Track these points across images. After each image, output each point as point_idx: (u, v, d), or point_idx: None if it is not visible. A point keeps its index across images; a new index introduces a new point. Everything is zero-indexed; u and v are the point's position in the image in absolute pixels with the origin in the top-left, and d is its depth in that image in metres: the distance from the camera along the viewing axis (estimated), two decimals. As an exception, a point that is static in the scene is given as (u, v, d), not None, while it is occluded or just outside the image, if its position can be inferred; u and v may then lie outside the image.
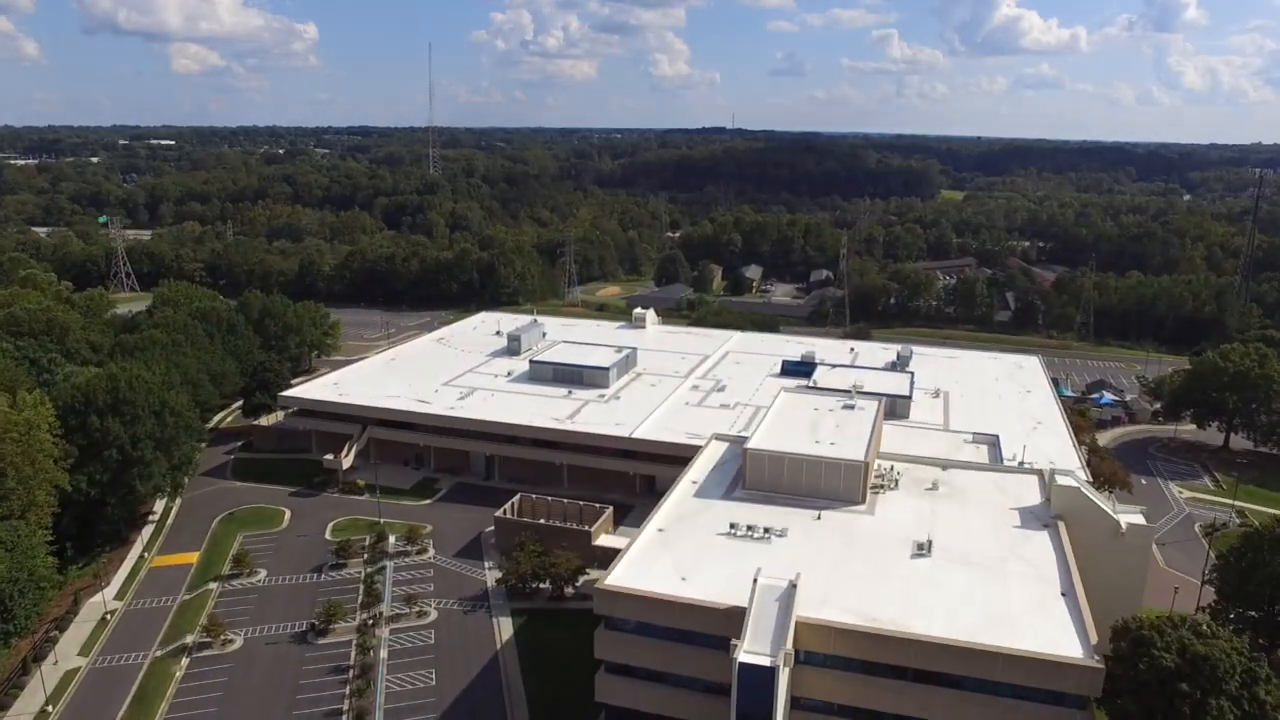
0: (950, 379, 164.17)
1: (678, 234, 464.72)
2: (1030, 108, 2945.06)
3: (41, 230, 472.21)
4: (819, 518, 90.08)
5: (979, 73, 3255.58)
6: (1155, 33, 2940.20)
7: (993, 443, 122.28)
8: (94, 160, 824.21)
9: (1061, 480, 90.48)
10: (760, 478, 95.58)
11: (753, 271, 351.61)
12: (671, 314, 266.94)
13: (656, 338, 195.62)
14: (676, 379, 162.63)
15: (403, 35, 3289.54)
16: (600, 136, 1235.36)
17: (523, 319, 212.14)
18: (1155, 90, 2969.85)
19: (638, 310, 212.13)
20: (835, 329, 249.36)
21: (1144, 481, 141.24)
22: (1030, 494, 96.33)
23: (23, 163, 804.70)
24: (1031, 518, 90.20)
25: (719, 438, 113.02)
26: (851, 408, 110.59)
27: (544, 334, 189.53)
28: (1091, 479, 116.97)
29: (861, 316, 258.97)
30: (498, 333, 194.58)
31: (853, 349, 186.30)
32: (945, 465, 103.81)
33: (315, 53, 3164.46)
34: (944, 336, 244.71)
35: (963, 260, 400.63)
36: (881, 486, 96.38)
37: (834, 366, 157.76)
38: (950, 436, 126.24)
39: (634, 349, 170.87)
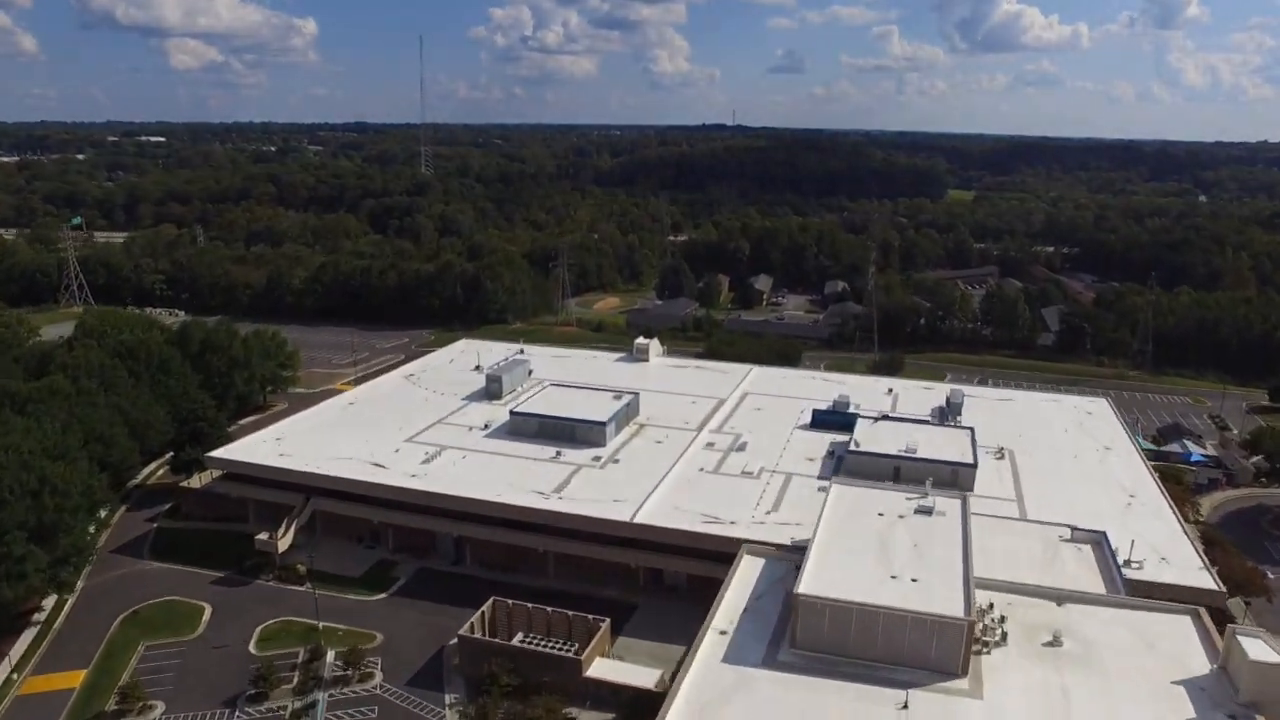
0: (1011, 431, 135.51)
1: (680, 238, 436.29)
2: (1031, 105, 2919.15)
3: (10, 232, 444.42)
4: (904, 707, 62.03)
5: (979, 70, 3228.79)
6: (1157, 30, 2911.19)
7: (1098, 542, 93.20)
8: (80, 158, 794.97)
9: (1253, 650, 62.10)
10: (816, 635, 67.12)
11: (762, 283, 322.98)
12: (677, 336, 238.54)
13: (661, 374, 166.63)
14: (687, 432, 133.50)
15: (402, 31, 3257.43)
16: (599, 133, 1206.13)
17: (507, 348, 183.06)
18: (1155, 88, 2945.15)
19: (640, 340, 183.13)
20: (861, 354, 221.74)
21: (1270, 576, 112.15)
22: (1189, 650, 68.29)
23: (5, 160, 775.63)
24: (1206, 702, 62.27)
25: (753, 551, 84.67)
26: (929, 512, 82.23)
27: (530, 371, 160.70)
28: (1219, 585, 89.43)
29: (888, 338, 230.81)
30: (477, 368, 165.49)
31: (890, 389, 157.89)
32: (1060, 599, 75.58)
33: (314, 49, 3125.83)
34: (981, 363, 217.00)
35: (984, 269, 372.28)
36: (984, 643, 68.20)
37: (875, 420, 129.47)
38: (1040, 531, 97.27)
39: (635, 394, 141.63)
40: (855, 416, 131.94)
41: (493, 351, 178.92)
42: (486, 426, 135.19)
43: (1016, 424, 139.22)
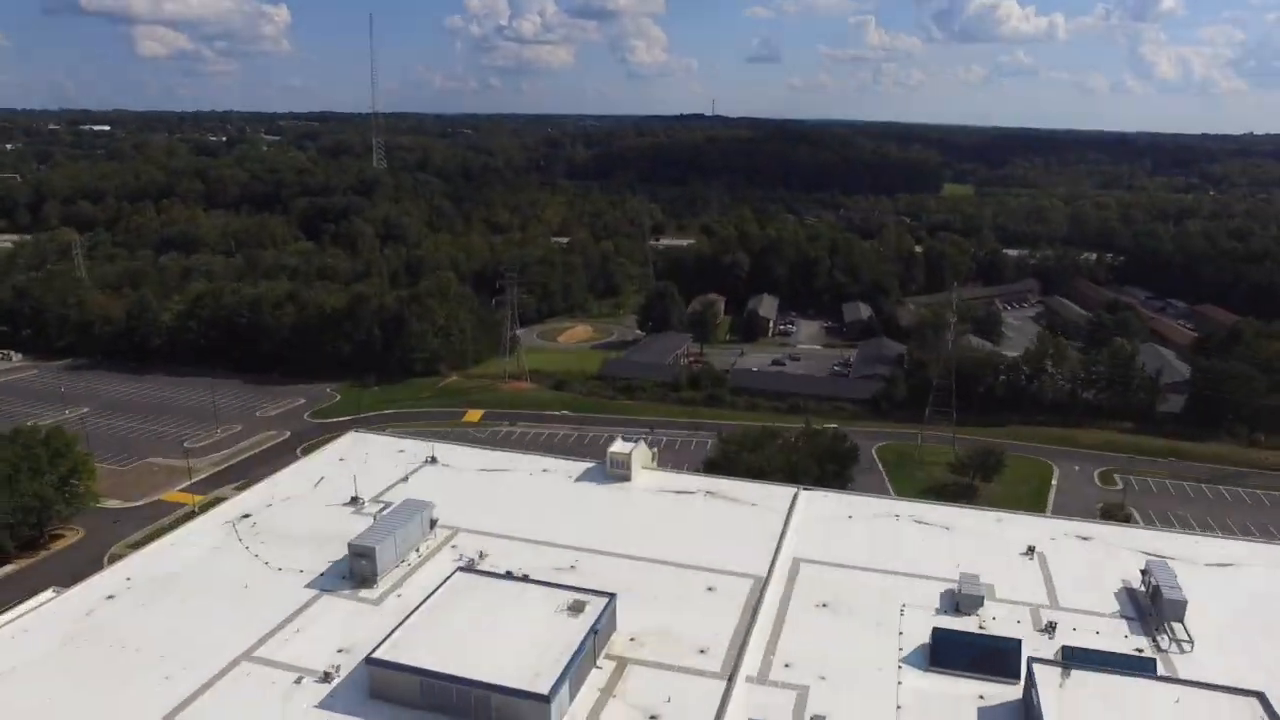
0: (1264, 655, 71.43)
1: (662, 241, 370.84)
2: (1007, 95, 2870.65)
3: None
4: None
5: (956, 61, 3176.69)
6: (1132, 22, 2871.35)
7: None
8: (9, 147, 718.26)
9: None
10: None
11: (766, 306, 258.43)
12: (667, 397, 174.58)
13: (651, 513, 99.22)
14: (707, 680, 67.64)
15: (377, 19, 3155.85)
16: (574, 123, 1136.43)
17: (414, 450, 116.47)
18: (1129, 79, 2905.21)
19: (617, 447, 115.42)
20: (929, 429, 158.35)
21: None
22: None
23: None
24: None
25: None
26: None
27: (432, 523, 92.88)
28: None
29: (943, 398, 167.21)
30: (354, 499, 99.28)
31: (1030, 549, 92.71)
32: None
33: (287, 37, 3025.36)
34: (1096, 445, 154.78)
35: (1023, 284, 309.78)
36: None
37: (1057, 663, 64.99)
38: None
39: (610, 597, 74.74)
40: (1013, 646, 66.88)
41: (389, 459, 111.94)
42: (328, 677, 68.57)
43: (1266, 637, 74.58)
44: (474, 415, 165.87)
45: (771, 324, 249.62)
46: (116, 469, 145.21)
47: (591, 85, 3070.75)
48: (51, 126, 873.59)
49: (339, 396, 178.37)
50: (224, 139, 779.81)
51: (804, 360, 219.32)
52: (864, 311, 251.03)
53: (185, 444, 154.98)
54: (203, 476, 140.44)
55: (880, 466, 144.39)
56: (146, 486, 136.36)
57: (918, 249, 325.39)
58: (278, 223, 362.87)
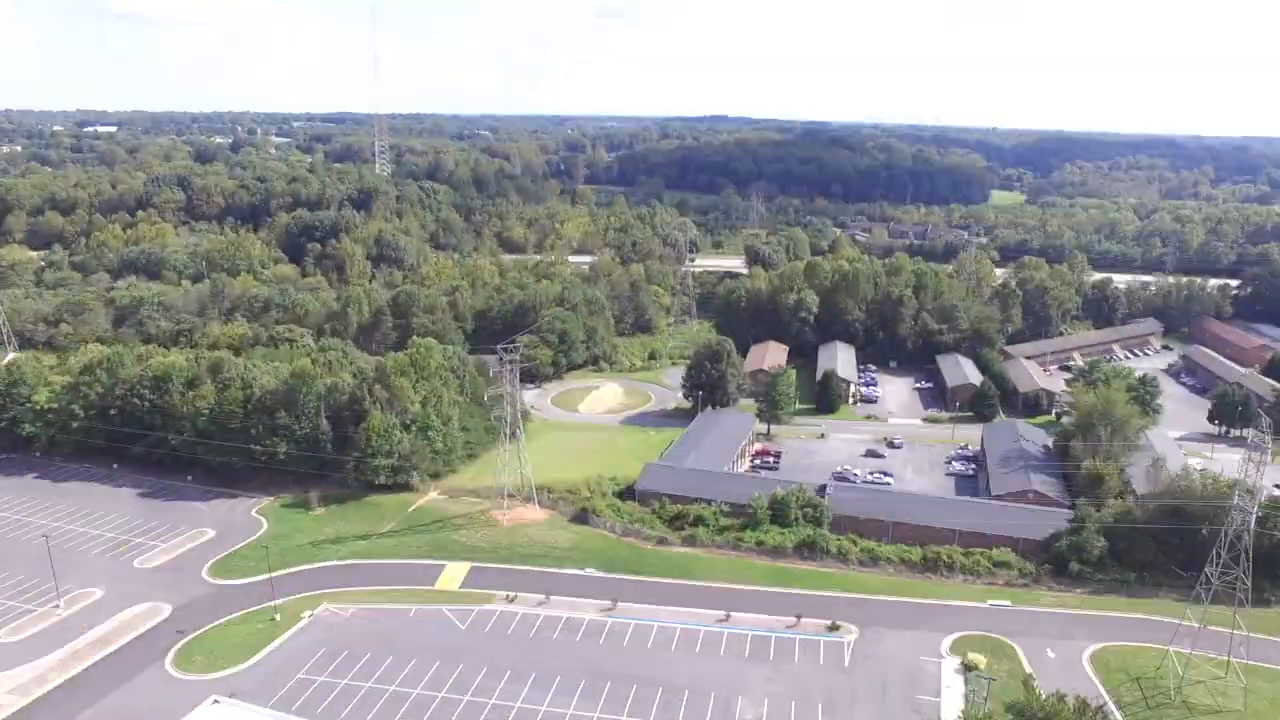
0: None
1: (694, 264, 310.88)
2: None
3: None
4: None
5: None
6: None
7: None
8: (3, 149, 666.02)
9: None
10: None
11: (844, 362, 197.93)
12: (740, 544, 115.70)
13: None
14: None
15: (399, 17, 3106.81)
16: (595, 126, 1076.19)
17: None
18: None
19: None
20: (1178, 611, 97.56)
21: None
22: None
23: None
24: None
25: None
26: None
27: None
28: None
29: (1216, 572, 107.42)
30: None
31: None
32: None
33: (319, 36, 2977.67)
34: None
35: (1143, 326, 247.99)
36: None
37: None
38: None
39: None
40: None
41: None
42: None
43: None
44: (454, 575, 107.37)
45: (853, 390, 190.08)
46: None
47: (613, 85, 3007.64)
48: (55, 128, 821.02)
49: (265, 524, 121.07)
50: (230, 141, 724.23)
51: (906, 449, 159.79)
52: (970, 372, 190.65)
53: (26, 602, 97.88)
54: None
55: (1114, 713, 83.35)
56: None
57: (999, 275, 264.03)
58: (253, 242, 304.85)
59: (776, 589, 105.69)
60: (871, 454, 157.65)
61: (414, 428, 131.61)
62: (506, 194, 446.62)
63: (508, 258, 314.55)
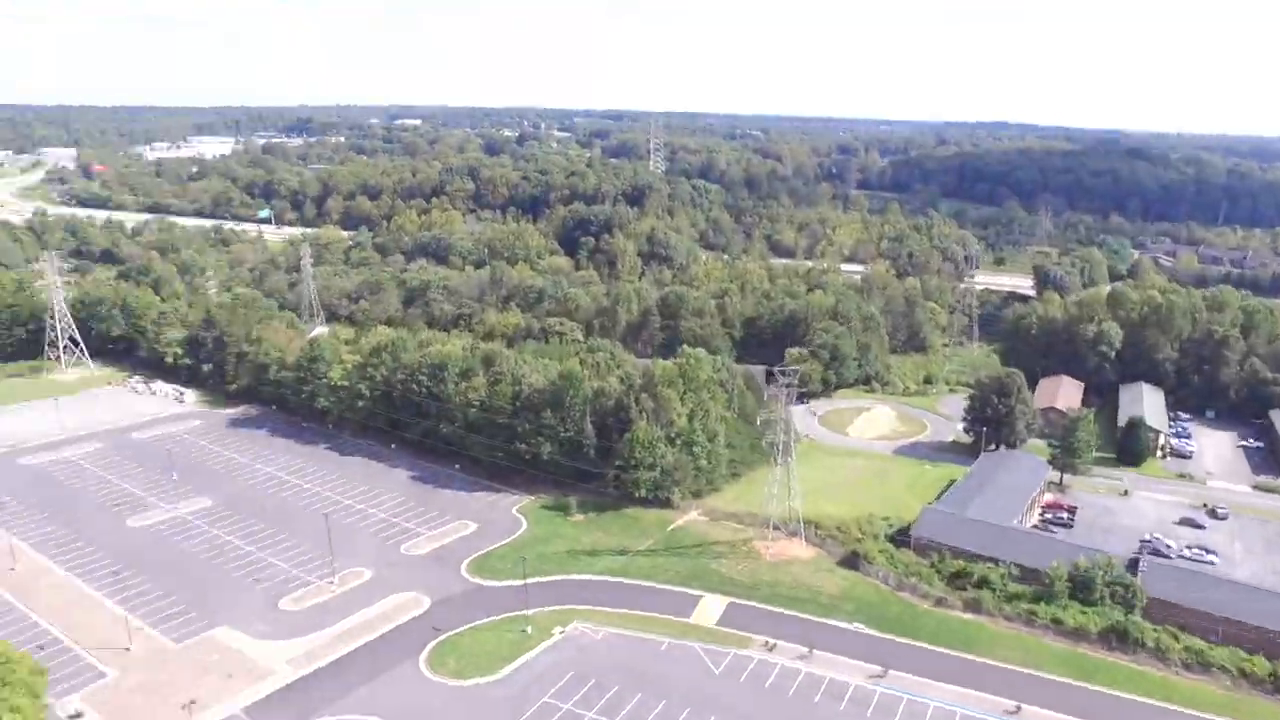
0: None
1: (976, 280, 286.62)
2: None
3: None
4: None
5: None
6: None
7: None
8: (330, 140, 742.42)
9: None
10: None
11: (1152, 409, 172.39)
12: (1033, 619, 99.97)
13: None
14: None
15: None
16: (867, 128, 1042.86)
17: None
18: None
19: None
20: None
21: None
22: None
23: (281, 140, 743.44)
24: None
25: None
26: None
27: None
28: None
29: None
30: None
31: None
32: None
33: (598, 35, 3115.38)
34: None
35: None
36: None
37: None
38: None
39: None
40: None
41: None
42: None
43: None
44: (710, 609, 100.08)
45: (1161, 438, 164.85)
46: (160, 650, 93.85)
47: (889, 89, 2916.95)
48: (372, 121, 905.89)
49: (524, 524, 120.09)
50: (516, 134, 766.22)
51: (1232, 520, 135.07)
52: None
53: (281, 602, 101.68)
54: (263, 694, 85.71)
55: None
56: (169, 712, 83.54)
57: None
58: (531, 233, 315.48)
59: (1076, 682, 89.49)
60: (1188, 523, 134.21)
61: (679, 442, 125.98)
62: (778, 196, 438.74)
63: (777, 262, 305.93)
